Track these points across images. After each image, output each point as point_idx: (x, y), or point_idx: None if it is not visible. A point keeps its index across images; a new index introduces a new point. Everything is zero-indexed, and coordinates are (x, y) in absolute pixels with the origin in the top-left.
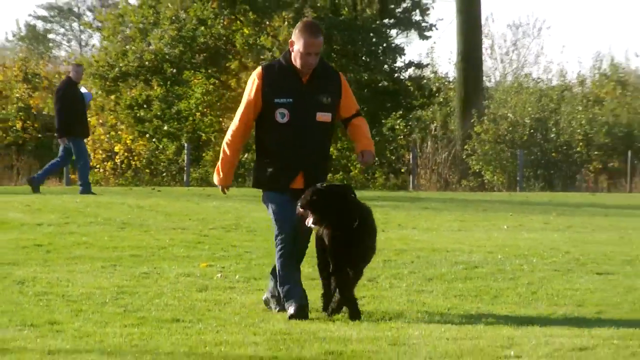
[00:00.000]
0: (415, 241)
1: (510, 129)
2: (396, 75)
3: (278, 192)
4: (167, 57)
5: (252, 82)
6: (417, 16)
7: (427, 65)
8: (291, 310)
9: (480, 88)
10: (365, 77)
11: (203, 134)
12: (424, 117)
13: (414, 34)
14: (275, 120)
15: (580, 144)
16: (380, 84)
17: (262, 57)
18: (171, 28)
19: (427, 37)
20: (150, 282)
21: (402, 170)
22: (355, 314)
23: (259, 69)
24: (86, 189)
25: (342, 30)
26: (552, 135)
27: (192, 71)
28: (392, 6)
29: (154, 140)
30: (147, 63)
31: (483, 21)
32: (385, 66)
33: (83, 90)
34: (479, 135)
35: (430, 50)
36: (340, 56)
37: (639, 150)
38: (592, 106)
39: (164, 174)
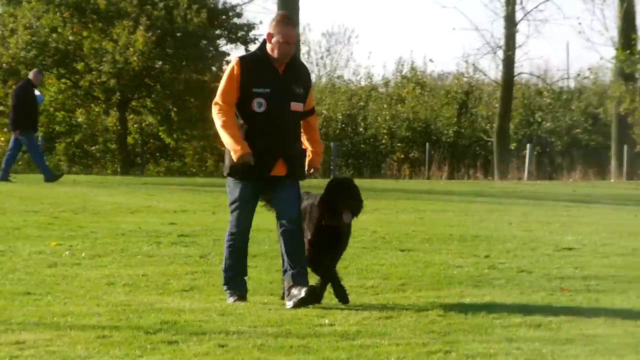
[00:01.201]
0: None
1: (325, 124)
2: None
3: (249, 184)
4: (22, 59)
5: (230, 71)
6: (244, 31)
7: None
8: (232, 301)
9: None
10: (195, 78)
11: (56, 127)
12: None
13: (240, 46)
14: (252, 110)
15: (385, 137)
16: (208, 84)
17: (103, 59)
18: (25, 33)
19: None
20: (5, 259)
21: None
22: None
23: (235, 59)
24: (48, 176)
25: (175, 36)
26: (361, 130)
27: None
28: (223, 17)
29: None
30: (4, 65)
31: (301, 30)
32: (214, 68)
33: (37, 93)
34: None
35: None
36: (173, 59)
37: (436, 142)
38: (395, 104)
39: (20, 163)
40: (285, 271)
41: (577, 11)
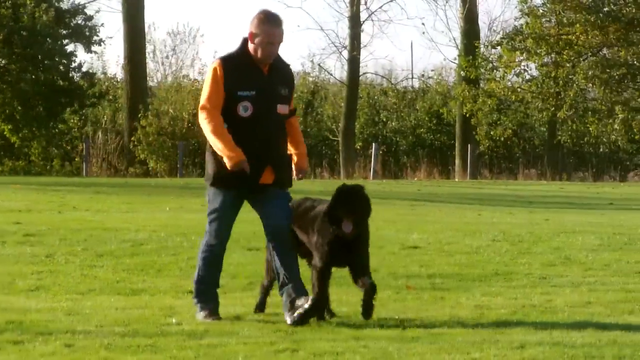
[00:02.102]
0: (88, 221)
1: (172, 122)
2: (71, 75)
3: (231, 194)
4: None
5: (213, 72)
6: (87, 32)
7: (95, 72)
8: (208, 319)
9: (144, 87)
10: (42, 77)
11: None
12: (95, 112)
13: (81, 47)
14: (238, 114)
15: None
16: (56, 83)
17: None
18: None
19: (93, 52)
20: None
21: (76, 159)
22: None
23: (217, 60)
24: None
25: (22, 35)
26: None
27: None
28: (68, 17)
29: None
30: None
31: (146, 29)
32: (61, 67)
33: None
34: (144, 128)
35: (100, 54)
36: (20, 58)
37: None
38: None
39: None
40: (282, 285)
41: (421, 12)
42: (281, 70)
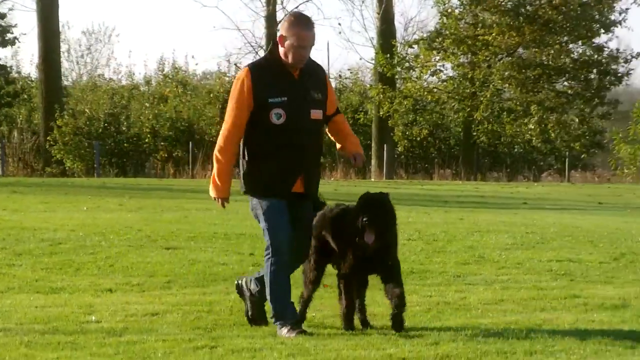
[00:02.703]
0: (5, 221)
1: (88, 122)
2: None
3: (275, 199)
4: None
5: (240, 84)
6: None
7: (11, 67)
8: (291, 334)
9: (59, 86)
10: None
11: None
12: (10, 111)
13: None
14: (270, 122)
15: (149, 136)
16: None
17: None
18: None
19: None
20: None
21: None
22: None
23: (245, 68)
24: None
25: None
26: (124, 128)
27: None
28: None
29: None
30: None
31: (61, 28)
32: None
33: None
34: (60, 127)
35: (14, 53)
36: None
37: (200, 141)
38: (158, 103)
39: None
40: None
41: (338, 12)
42: (313, 73)
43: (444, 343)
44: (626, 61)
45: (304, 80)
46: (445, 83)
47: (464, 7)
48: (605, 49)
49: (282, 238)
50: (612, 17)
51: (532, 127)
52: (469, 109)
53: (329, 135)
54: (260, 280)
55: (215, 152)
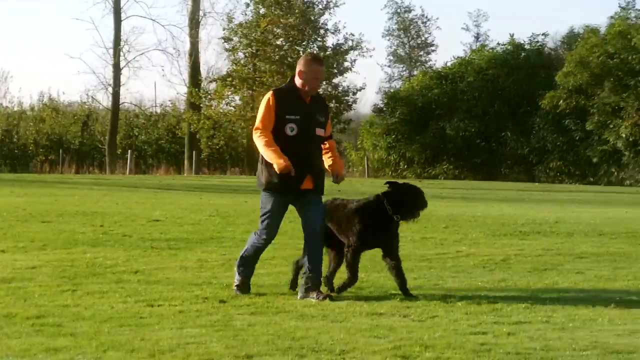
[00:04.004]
0: None
1: None
2: None
3: (281, 196)
4: None
5: (266, 100)
6: None
7: None
8: (237, 281)
9: None
10: None
11: None
12: None
13: None
14: (285, 133)
15: (32, 145)
16: None
17: None
18: None
19: None
20: None
21: None
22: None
23: (270, 92)
24: None
25: None
26: (15, 140)
27: None
28: None
29: None
30: None
31: None
32: None
33: None
34: None
35: None
36: None
37: (67, 149)
38: (39, 123)
39: None
40: (305, 273)
41: (162, 61)
42: (319, 101)
43: (233, 285)
44: (354, 94)
45: (312, 105)
46: (234, 109)
47: (247, 58)
48: (340, 86)
49: (273, 230)
50: (345, 65)
51: None
52: (250, 127)
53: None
54: (307, 260)
55: (261, 146)
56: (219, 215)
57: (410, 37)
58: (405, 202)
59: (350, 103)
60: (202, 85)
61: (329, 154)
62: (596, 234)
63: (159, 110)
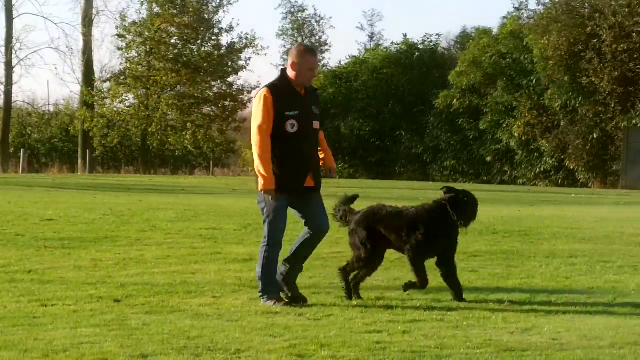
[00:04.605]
0: None
1: None
2: None
3: (283, 196)
4: None
5: (262, 99)
6: None
7: None
8: (278, 304)
9: None
10: None
11: None
12: None
13: None
14: (286, 131)
15: None
16: None
17: None
18: None
19: None
20: None
21: None
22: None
23: (264, 88)
24: None
25: None
26: None
27: None
28: None
29: None
30: None
31: None
32: None
33: None
34: None
35: None
36: None
37: None
38: None
39: None
40: (288, 260)
41: (55, 60)
42: (313, 93)
43: (128, 285)
44: (249, 92)
45: (308, 98)
46: (129, 108)
47: (141, 56)
48: (234, 85)
49: (278, 236)
50: (240, 63)
51: (188, 137)
52: (144, 126)
53: None
54: (287, 260)
55: (257, 151)
56: (113, 215)
57: (304, 36)
58: (465, 209)
59: (245, 102)
60: (95, 83)
61: (320, 146)
62: (490, 232)
63: (52, 109)
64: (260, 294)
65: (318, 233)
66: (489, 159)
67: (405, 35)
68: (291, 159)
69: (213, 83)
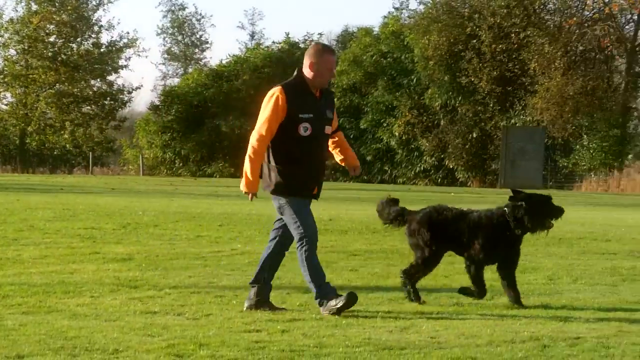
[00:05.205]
0: None
1: None
2: None
3: (302, 198)
4: None
5: (274, 98)
6: None
7: None
8: (340, 303)
9: None
10: None
11: None
12: None
13: None
14: (299, 133)
15: None
16: None
17: None
18: None
19: None
20: None
21: None
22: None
23: (279, 87)
24: None
25: None
26: None
27: None
28: None
29: None
30: None
31: None
32: None
33: None
34: None
35: None
36: None
37: None
38: None
39: None
40: (257, 280)
41: None
42: (328, 95)
43: (5, 285)
44: (129, 92)
45: (323, 100)
46: (7, 107)
47: (19, 55)
48: (115, 84)
49: (313, 229)
50: (120, 63)
51: (67, 137)
52: (23, 125)
53: (330, 148)
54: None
55: (250, 153)
56: None
57: (185, 34)
58: (531, 214)
59: (125, 101)
60: None
61: (339, 148)
62: (369, 231)
63: None
64: (318, 300)
65: (285, 245)
66: (369, 158)
67: (287, 34)
68: (302, 163)
69: (93, 82)
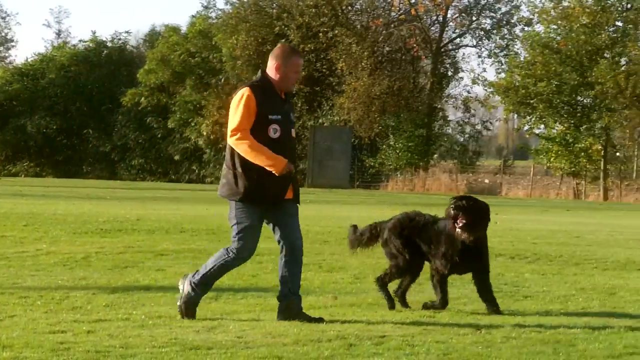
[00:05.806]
0: None
1: None
2: None
3: (260, 207)
4: None
5: (245, 98)
6: None
7: None
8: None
9: None
10: None
11: None
12: None
13: None
14: (269, 136)
15: None
16: None
17: None
18: None
19: None
20: None
21: None
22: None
23: (247, 88)
24: None
25: None
26: None
27: None
28: None
29: None
30: None
31: None
32: None
33: None
34: None
35: None
36: None
37: None
38: None
39: None
40: (284, 295)
41: None
42: (291, 98)
43: None
44: None
45: (287, 102)
46: None
47: None
48: None
49: (250, 252)
50: None
51: None
52: None
53: None
54: (285, 280)
55: (245, 149)
56: None
57: None
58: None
59: None
60: None
61: None
62: (177, 231)
63: None
64: (193, 281)
65: (290, 249)
66: (177, 157)
67: (94, 33)
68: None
69: None
